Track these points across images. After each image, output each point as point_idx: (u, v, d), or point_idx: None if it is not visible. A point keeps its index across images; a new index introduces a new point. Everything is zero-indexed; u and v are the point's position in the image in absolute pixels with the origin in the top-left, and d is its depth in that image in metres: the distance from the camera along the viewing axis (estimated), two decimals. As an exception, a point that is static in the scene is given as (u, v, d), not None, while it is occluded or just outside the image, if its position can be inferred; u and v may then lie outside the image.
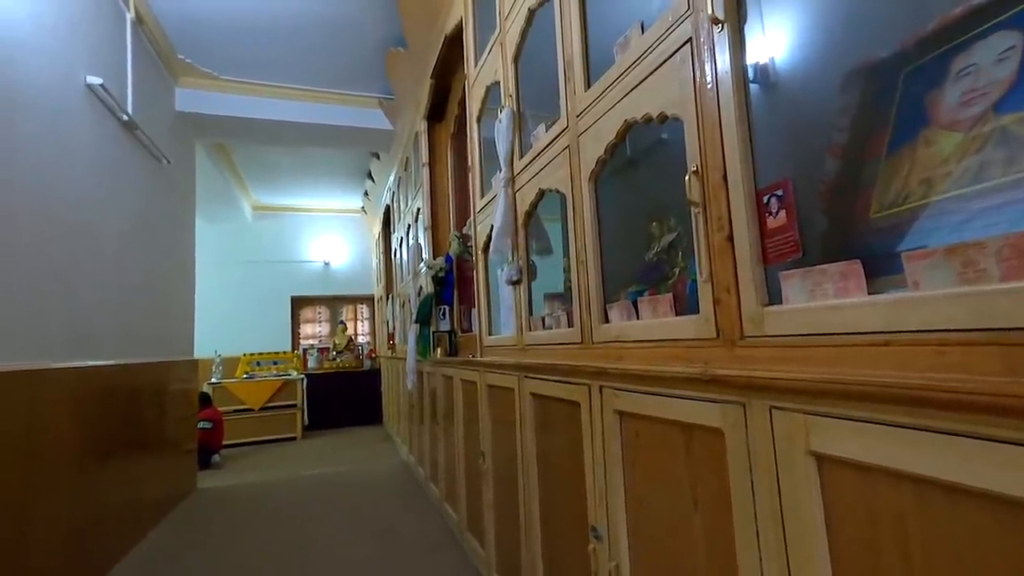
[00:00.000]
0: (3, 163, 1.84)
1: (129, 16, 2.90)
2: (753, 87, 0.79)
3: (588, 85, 1.21)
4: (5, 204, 1.84)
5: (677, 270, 1.18)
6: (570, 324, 1.34)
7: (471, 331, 2.46)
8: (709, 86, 0.81)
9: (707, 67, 0.82)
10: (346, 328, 7.09)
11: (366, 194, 6.46)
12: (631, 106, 1.02)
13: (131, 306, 2.87)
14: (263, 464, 4.64)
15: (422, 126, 3.36)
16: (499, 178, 1.73)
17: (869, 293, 0.62)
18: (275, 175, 5.92)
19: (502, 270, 1.76)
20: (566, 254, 1.60)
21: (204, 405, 4.67)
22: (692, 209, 0.85)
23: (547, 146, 1.41)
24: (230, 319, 6.47)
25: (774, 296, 0.74)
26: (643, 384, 0.99)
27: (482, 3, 2.14)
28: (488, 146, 2.01)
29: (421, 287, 3.34)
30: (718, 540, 0.81)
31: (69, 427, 2.15)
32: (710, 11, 0.78)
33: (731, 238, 0.78)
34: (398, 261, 4.84)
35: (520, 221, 1.64)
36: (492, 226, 1.77)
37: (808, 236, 0.73)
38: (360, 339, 7.39)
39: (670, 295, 1.00)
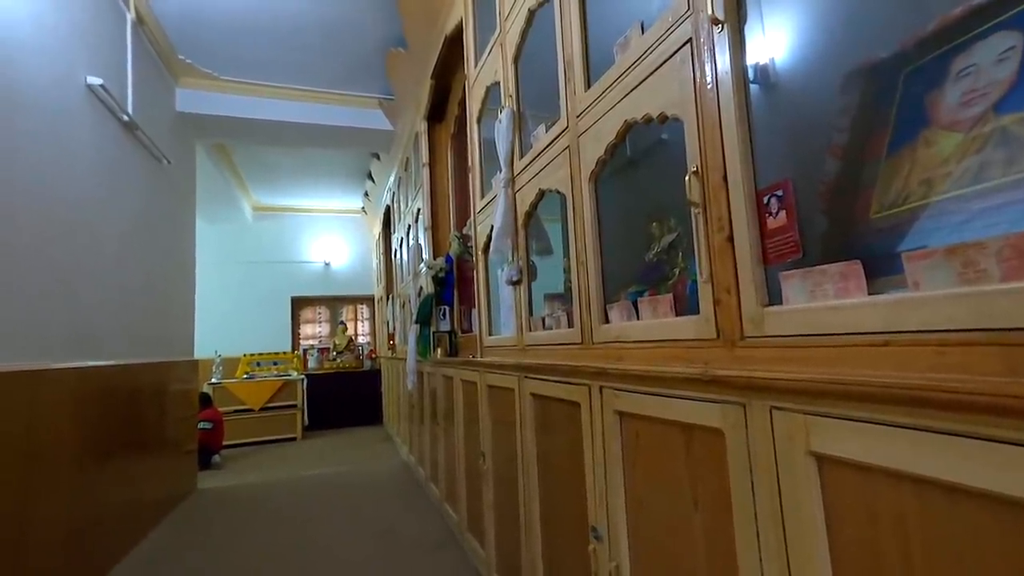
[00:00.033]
0: (4, 163, 1.84)
1: (129, 16, 2.90)
2: (753, 87, 0.79)
3: (588, 85, 1.21)
4: (6, 204, 1.84)
5: (677, 270, 1.18)
6: (570, 324, 1.34)
7: (471, 331, 2.46)
8: (709, 86, 0.81)
9: (707, 67, 0.82)
10: (346, 328, 7.09)
11: (366, 194, 6.46)
12: (631, 106, 1.02)
13: (131, 306, 2.87)
14: (263, 464, 4.64)
15: (422, 126, 3.36)
16: (499, 178, 1.73)
17: (869, 293, 0.62)
18: (275, 175, 5.92)
19: (502, 270, 1.76)
20: (566, 254, 1.60)
21: (204, 405, 4.67)
22: (692, 209, 0.85)
23: (547, 146, 1.41)
24: (230, 319, 6.47)
25: (774, 296, 0.74)
26: (643, 384, 0.99)
27: (482, 3, 2.14)
28: (488, 146, 2.01)
29: (421, 287, 3.34)
30: (718, 540, 0.81)
31: (69, 427, 2.15)
32: (710, 11, 0.78)
33: (731, 238, 0.78)
34: (398, 261, 4.84)
35: (520, 221, 1.64)
36: (492, 226, 1.77)
37: (808, 236, 0.73)
38: (360, 339, 7.39)
39: (670, 295, 1.00)
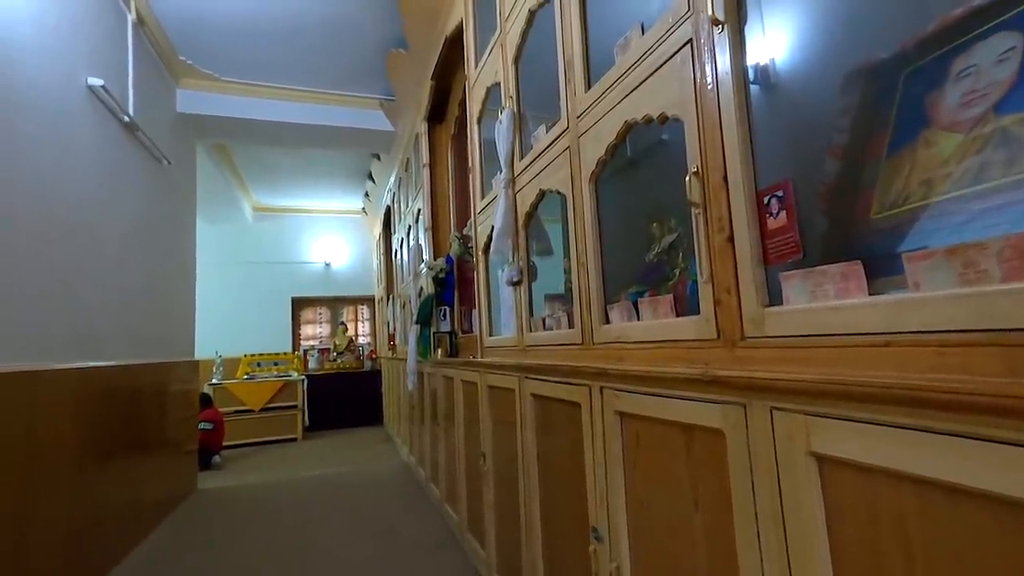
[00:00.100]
0: (4, 164, 1.84)
1: (130, 17, 2.90)
2: (753, 88, 0.80)
3: (588, 86, 1.21)
4: (6, 205, 1.85)
5: (678, 271, 1.18)
6: (571, 325, 1.34)
7: (472, 332, 2.46)
8: (709, 87, 0.81)
9: (707, 68, 0.82)
10: (347, 329, 7.09)
11: (367, 195, 6.46)
12: (631, 107, 1.03)
13: (132, 307, 2.87)
14: (264, 465, 4.64)
15: (423, 127, 3.36)
16: (499, 179, 1.73)
17: (870, 294, 0.62)
18: (276, 176, 5.92)
19: (503, 271, 1.76)
20: (566, 255, 1.60)
21: (205, 406, 4.67)
22: (692, 210, 0.85)
23: (547, 147, 1.41)
24: (231, 320, 6.47)
25: (775, 297, 0.74)
26: (644, 385, 0.99)
27: (482, 4, 2.14)
28: (488, 147, 2.01)
29: (422, 288, 3.34)
30: (719, 541, 0.81)
31: (70, 428, 2.15)
32: (710, 12, 0.78)
33: (732, 239, 0.78)
34: (399, 262, 4.84)
35: (520, 222, 1.64)
36: (492, 227, 1.78)
37: (808, 237, 0.73)
38: (361, 340, 7.39)
39: (671, 296, 1.00)
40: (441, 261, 2.89)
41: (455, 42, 2.60)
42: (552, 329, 1.47)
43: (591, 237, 1.20)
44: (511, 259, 1.66)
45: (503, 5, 1.77)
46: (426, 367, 3.19)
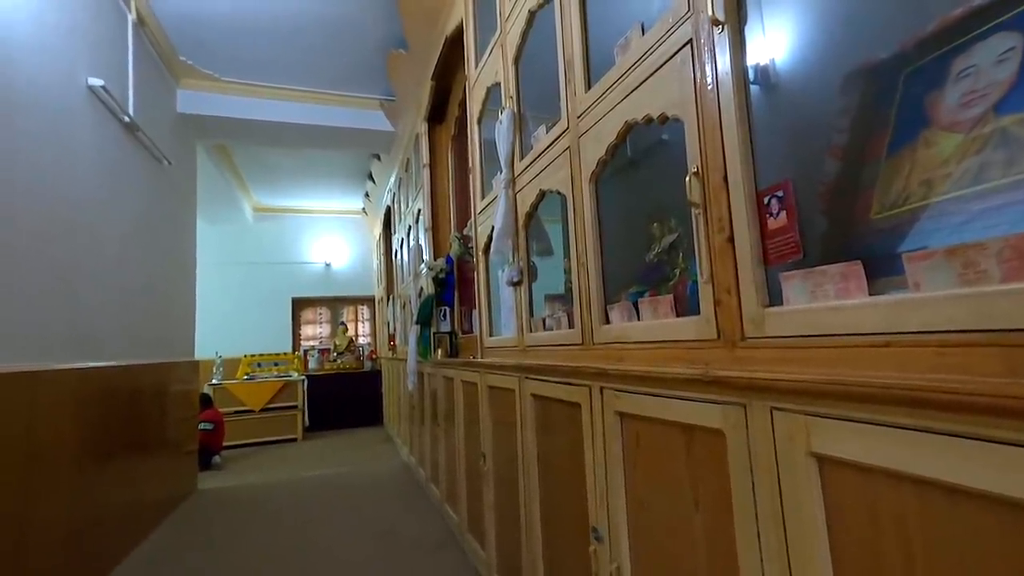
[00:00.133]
0: (4, 164, 1.84)
1: (130, 17, 2.90)
2: (753, 88, 0.80)
3: (588, 86, 1.21)
4: (6, 205, 1.85)
5: (678, 271, 1.18)
6: (571, 325, 1.34)
7: (472, 332, 2.46)
8: (709, 87, 0.81)
9: (707, 68, 0.82)
10: (347, 329, 7.09)
11: (367, 195, 6.47)
12: (632, 107, 1.03)
13: (132, 307, 2.87)
14: (264, 465, 4.64)
15: (423, 127, 3.37)
16: (500, 179, 1.73)
17: (870, 294, 0.62)
18: (276, 176, 5.92)
19: (503, 271, 1.76)
20: (567, 255, 1.60)
21: (205, 406, 4.67)
22: (693, 210, 0.85)
23: (548, 147, 1.41)
24: (231, 320, 6.47)
25: (775, 297, 0.74)
26: (644, 385, 0.99)
27: (482, 4, 2.14)
28: (489, 147, 2.01)
29: (422, 288, 3.34)
30: (719, 541, 0.81)
31: (70, 428, 2.15)
32: (710, 12, 0.78)
33: (732, 239, 0.78)
34: (399, 262, 4.84)
35: (521, 222, 1.64)
36: (493, 227, 1.78)
37: (809, 237, 0.73)
38: (361, 340, 7.39)
39: (671, 296, 1.00)
40: (441, 261, 2.89)
41: (455, 42, 2.60)
42: (552, 329, 1.47)
43: (591, 237, 1.20)
44: (511, 259, 1.66)
45: (503, 5, 1.77)
46: (426, 367, 3.19)
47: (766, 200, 0.75)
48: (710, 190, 0.82)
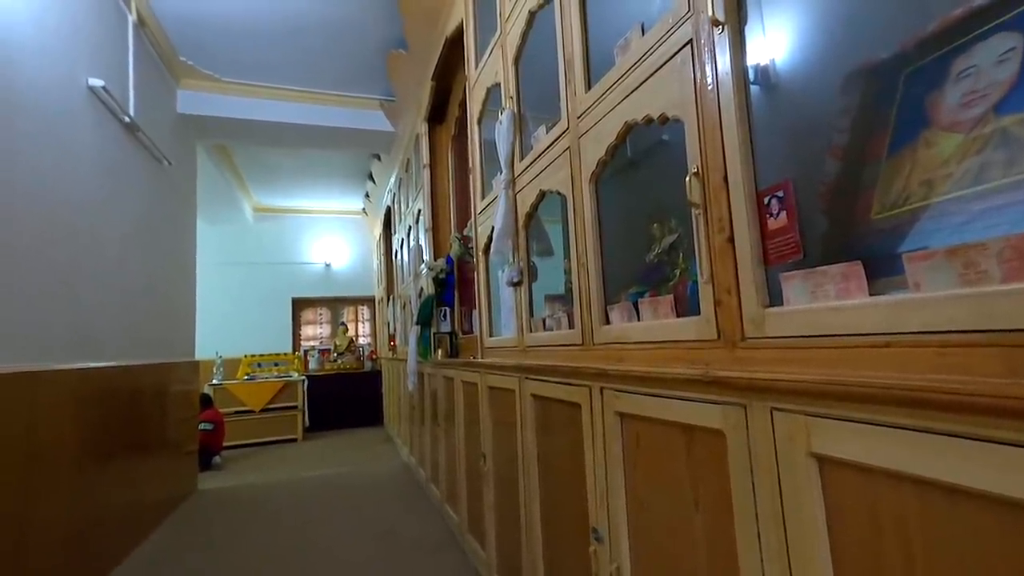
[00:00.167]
0: (4, 165, 1.84)
1: (131, 18, 2.91)
2: (754, 88, 0.80)
3: (588, 87, 1.21)
4: (6, 206, 1.85)
5: (678, 271, 1.18)
6: (571, 325, 1.34)
7: (472, 333, 2.46)
8: (710, 87, 0.81)
9: (708, 68, 0.82)
10: (347, 329, 7.09)
11: (367, 196, 6.47)
12: (632, 107, 1.03)
13: (133, 308, 2.87)
14: (264, 465, 4.64)
15: (423, 128, 3.37)
16: (500, 180, 1.73)
17: (870, 294, 0.62)
18: (276, 176, 5.92)
19: (503, 271, 1.76)
20: (567, 255, 1.60)
21: (205, 406, 4.67)
22: (693, 210, 0.85)
23: (548, 147, 1.41)
24: (231, 320, 6.48)
25: (775, 297, 0.74)
26: (644, 385, 0.99)
27: (483, 5, 2.14)
28: (489, 148, 2.01)
29: (422, 288, 3.34)
30: (719, 542, 0.81)
31: (70, 428, 2.15)
32: (711, 13, 0.78)
33: (732, 239, 0.78)
34: (399, 262, 4.84)
35: (521, 222, 1.64)
36: (493, 227, 1.78)
37: (809, 237, 0.73)
38: (361, 340, 7.39)
39: (671, 296, 1.00)
40: (441, 262, 2.89)
41: (455, 43, 2.60)
42: (552, 330, 1.47)
43: (591, 238, 1.20)
44: (511, 260, 1.66)
45: (503, 6, 1.77)
46: (426, 368, 3.19)
47: (766, 200, 0.75)
48: (710, 190, 0.82)
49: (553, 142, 1.38)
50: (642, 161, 1.37)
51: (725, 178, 0.79)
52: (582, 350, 1.25)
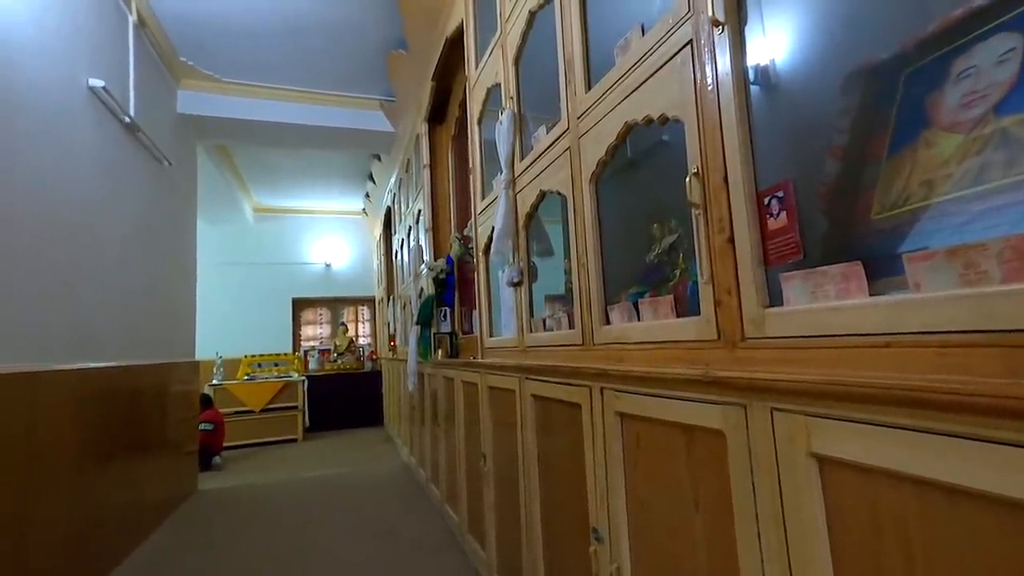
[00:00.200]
0: (4, 165, 1.84)
1: (131, 18, 2.91)
2: (754, 89, 0.80)
3: (589, 87, 1.21)
4: (7, 206, 1.85)
5: (678, 272, 1.18)
6: (571, 326, 1.34)
7: (472, 333, 2.46)
8: (710, 88, 0.81)
9: (708, 69, 0.82)
10: (347, 330, 7.09)
11: (367, 196, 6.47)
12: (632, 108, 1.03)
13: (133, 308, 2.87)
14: (264, 466, 4.64)
15: (423, 128, 3.37)
16: (500, 180, 1.73)
17: (870, 295, 0.62)
18: (276, 177, 5.93)
19: (503, 272, 1.76)
20: (567, 256, 1.60)
21: (205, 407, 4.67)
22: (693, 211, 0.85)
23: (548, 148, 1.41)
24: (231, 321, 6.48)
25: (775, 298, 0.74)
26: (644, 386, 0.99)
27: (483, 5, 2.14)
28: (489, 148, 2.01)
29: (422, 289, 3.34)
30: (719, 542, 0.81)
31: (70, 429, 2.15)
32: (711, 13, 0.78)
33: (732, 240, 0.78)
34: (399, 263, 4.84)
35: (521, 223, 1.64)
36: (493, 228, 1.78)
37: (809, 238, 0.73)
38: (361, 341, 7.39)
39: (671, 297, 1.00)
40: (441, 262, 2.89)
41: (455, 43, 2.60)
42: (552, 330, 1.47)
43: (591, 238, 1.20)
44: (511, 260, 1.66)
45: (503, 6, 1.77)
46: (426, 368, 3.19)
47: (766, 200, 0.75)
48: (710, 190, 0.82)
49: (553, 142, 1.38)
50: (642, 161, 1.37)
51: (725, 178, 0.79)
52: (582, 350, 1.25)
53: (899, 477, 0.54)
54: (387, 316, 5.77)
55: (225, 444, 4.87)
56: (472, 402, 2.19)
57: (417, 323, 3.00)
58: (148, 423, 2.99)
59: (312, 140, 4.37)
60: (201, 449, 4.13)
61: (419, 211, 3.63)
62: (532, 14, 1.55)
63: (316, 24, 3.21)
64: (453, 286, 2.86)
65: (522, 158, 1.62)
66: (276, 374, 6.10)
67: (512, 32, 1.68)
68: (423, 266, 3.39)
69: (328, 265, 7.24)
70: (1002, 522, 0.46)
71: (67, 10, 2.30)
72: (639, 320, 1.07)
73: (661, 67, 0.93)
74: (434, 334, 2.85)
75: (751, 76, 0.79)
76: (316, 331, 7.31)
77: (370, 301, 7.45)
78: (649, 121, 0.99)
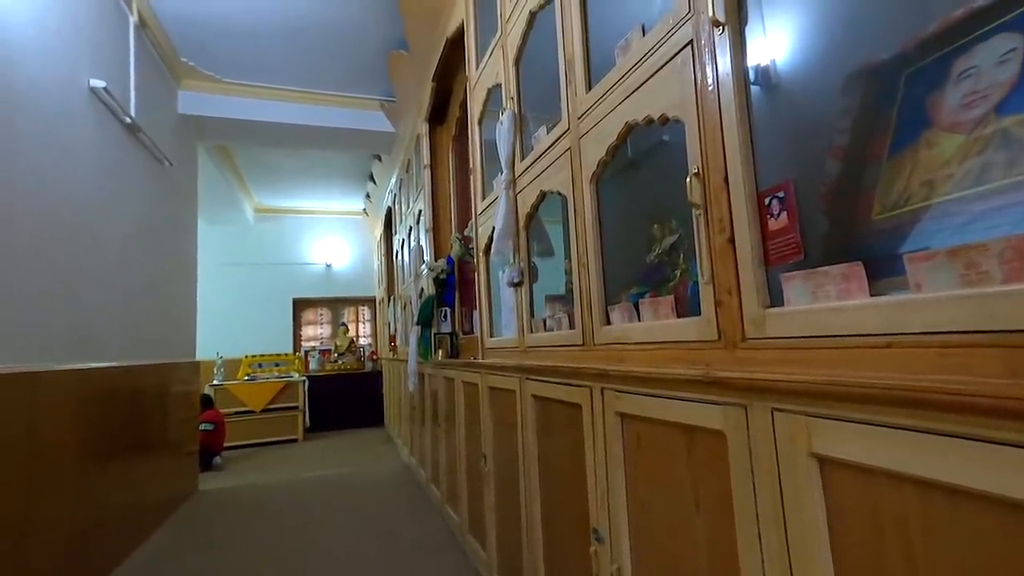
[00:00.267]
0: (5, 165, 1.85)
1: (132, 19, 2.91)
2: (754, 89, 0.80)
3: (589, 87, 1.21)
4: (7, 207, 1.85)
5: (678, 272, 1.18)
6: (571, 326, 1.34)
7: (472, 333, 2.46)
8: (710, 88, 0.81)
9: (708, 69, 0.82)
10: (348, 330, 7.09)
11: (368, 196, 6.47)
12: (632, 108, 1.03)
13: (133, 308, 2.87)
14: (265, 466, 4.65)
15: (423, 128, 3.37)
16: (500, 180, 1.73)
17: (871, 295, 0.62)
18: (277, 177, 5.93)
19: (503, 272, 1.76)
20: (567, 256, 1.60)
21: (206, 407, 4.68)
22: (693, 211, 0.85)
23: (548, 148, 1.41)
24: (232, 321, 6.48)
25: (776, 298, 0.74)
26: (645, 386, 0.99)
27: (483, 5, 2.14)
28: (489, 148, 2.01)
29: (422, 289, 3.34)
30: (720, 542, 0.81)
31: (71, 429, 2.15)
32: (711, 13, 0.78)
33: (732, 240, 0.78)
34: (399, 263, 4.84)
35: (521, 223, 1.64)
36: (493, 228, 1.78)
37: (809, 238, 0.73)
38: (362, 341, 7.39)
39: (671, 297, 1.00)
40: (442, 262, 2.89)
41: (456, 43, 2.60)
42: (553, 330, 1.47)
43: (592, 238, 1.20)
44: (512, 260, 1.66)
45: (504, 6, 1.77)
46: (427, 368, 3.19)
47: (767, 201, 0.75)
48: (711, 191, 0.82)
49: (554, 142, 1.38)
50: (643, 161, 1.37)
51: (726, 179, 0.79)
52: (583, 351, 1.25)
53: (900, 477, 0.54)
54: (388, 316, 5.77)
55: (226, 444, 4.87)
56: (472, 402, 2.19)
57: (418, 323, 3.00)
58: (149, 423, 2.99)
59: (313, 140, 4.37)
60: (202, 449, 4.13)
61: (420, 211, 3.63)
62: (532, 15, 1.55)
63: (317, 25, 3.21)
64: (454, 286, 2.86)
65: (522, 158, 1.62)
66: (277, 374, 6.10)
67: (513, 32, 1.68)
68: (424, 266, 3.39)
69: (329, 265, 7.24)
70: (1003, 523, 0.46)
71: (68, 10, 2.31)
72: (640, 320, 1.07)
73: (662, 67, 0.93)
74: (435, 334, 2.85)
75: (752, 76, 0.79)
76: (317, 331, 7.32)
77: (371, 301, 7.45)
78: (650, 121, 0.99)
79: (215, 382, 5.56)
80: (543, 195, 1.50)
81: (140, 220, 3.01)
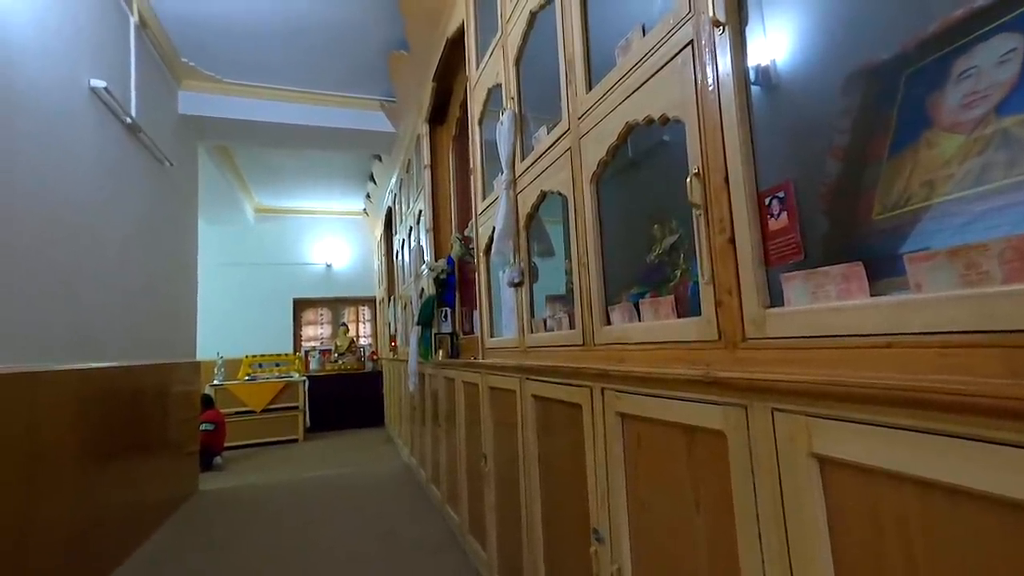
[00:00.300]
0: (5, 165, 1.85)
1: (133, 19, 2.91)
2: (754, 89, 0.80)
3: (589, 87, 1.21)
4: (7, 206, 1.85)
5: (679, 272, 1.18)
6: (572, 326, 1.34)
7: (473, 333, 2.46)
8: (711, 88, 0.81)
9: (708, 69, 0.82)
10: (348, 330, 7.09)
11: (368, 196, 6.47)
12: (632, 108, 1.03)
13: (134, 308, 2.88)
14: (265, 466, 4.65)
15: (424, 128, 3.37)
16: (501, 180, 1.73)
17: (871, 295, 0.62)
18: (277, 177, 5.93)
19: (504, 272, 1.76)
20: (568, 256, 1.60)
21: (206, 407, 4.68)
22: (694, 211, 0.85)
23: (548, 148, 1.41)
24: (232, 321, 6.48)
25: (776, 298, 0.74)
26: (645, 386, 0.99)
27: (483, 5, 2.15)
28: (490, 148, 2.01)
29: (423, 289, 3.34)
30: (720, 542, 0.81)
31: (71, 429, 2.15)
32: (711, 13, 0.78)
33: (733, 240, 0.78)
34: (400, 263, 4.84)
35: (522, 223, 1.64)
36: (494, 228, 1.78)
37: (810, 238, 0.73)
38: (362, 341, 7.39)
39: (672, 297, 1.00)
40: (442, 262, 2.89)
41: (456, 43, 2.60)
42: (553, 330, 1.47)
43: (592, 238, 1.20)
44: (512, 260, 1.66)
45: (504, 7, 1.77)
46: (427, 368, 3.19)
47: (767, 201, 0.75)
48: (711, 191, 0.82)
49: (554, 143, 1.38)
50: (643, 162, 1.37)
51: (726, 179, 0.79)
52: (583, 351, 1.25)
53: (900, 478, 0.54)
54: (388, 316, 5.77)
55: (226, 444, 4.87)
56: (473, 402, 2.19)
57: (418, 323, 3.00)
58: (149, 423, 3.00)
59: (313, 141, 4.37)
60: (202, 449, 4.13)
61: (420, 211, 3.63)
62: (533, 15, 1.55)
63: (317, 25, 3.21)
64: (454, 286, 2.86)
65: (523, 158, 1.62)
66: (277, 374, 6.10)
67: (513, 33, 1.68)
68: (424, 266, 3.39)
69: (329, 265, 7.25)
70: (1003, 523, 0.46)
71: (68, 11, 2.31)
72: (640, 320, 1.07)
73: (662, 67, 0.93)
74: (435, 334, 2.85)
75: (752, 76, 0.79)
76: (317, 331, 7.32)
77: (371, 301, 7.45)
78: (650, 121, 0.99)
79: (215, 382, 5.57)
80: (543, 195, 1.50)
81: (140, 220, 3.01)
